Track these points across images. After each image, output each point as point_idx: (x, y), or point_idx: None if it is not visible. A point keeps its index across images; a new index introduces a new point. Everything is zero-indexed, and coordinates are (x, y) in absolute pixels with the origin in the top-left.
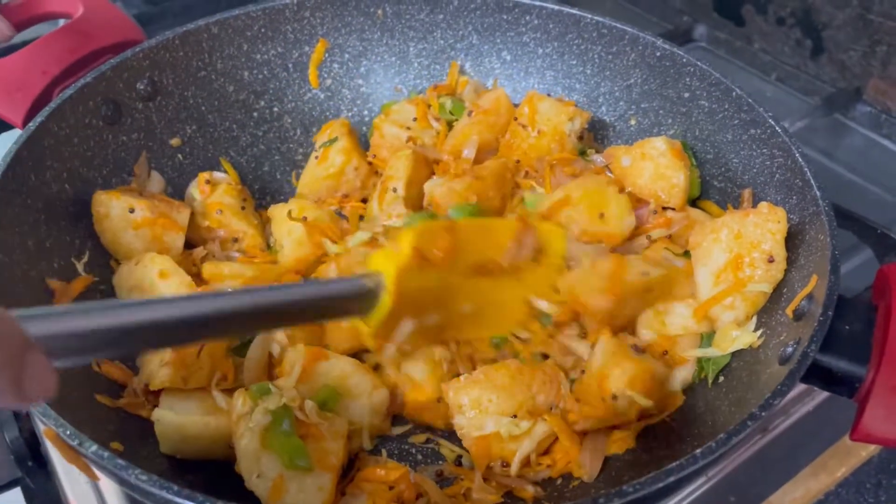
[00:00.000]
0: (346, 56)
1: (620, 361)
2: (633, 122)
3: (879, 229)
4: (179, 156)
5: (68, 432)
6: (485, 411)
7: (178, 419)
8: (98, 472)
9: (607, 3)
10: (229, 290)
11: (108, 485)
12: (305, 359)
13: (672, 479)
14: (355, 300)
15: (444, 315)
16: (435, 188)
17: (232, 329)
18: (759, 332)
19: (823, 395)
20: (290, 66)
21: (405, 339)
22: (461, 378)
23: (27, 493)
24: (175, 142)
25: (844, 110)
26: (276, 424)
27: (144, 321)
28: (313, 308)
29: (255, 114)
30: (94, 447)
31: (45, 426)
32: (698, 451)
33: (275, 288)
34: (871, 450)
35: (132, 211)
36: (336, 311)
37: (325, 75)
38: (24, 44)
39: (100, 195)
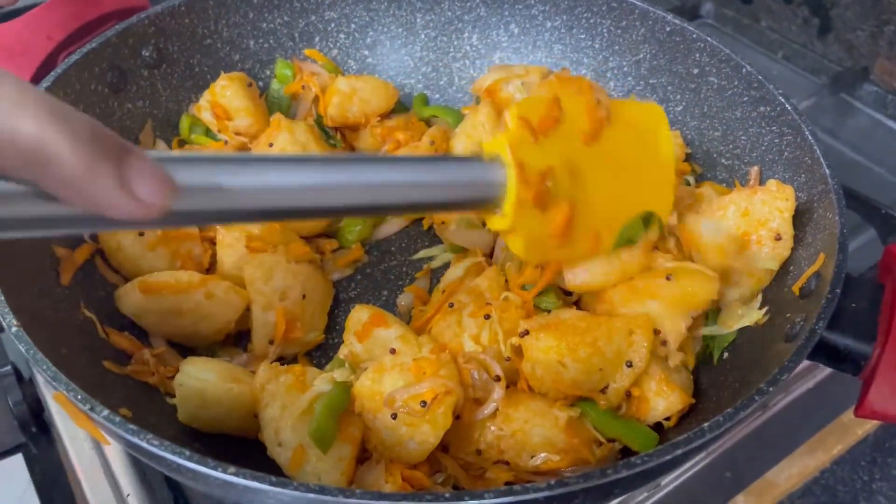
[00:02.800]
0: (353, 26)
1: None
2: (640, 97)
3: (884, 209)
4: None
5: (79, 396)
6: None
7: (199, 384)
8: (108, 437)
9: None
10: (338, 157)
11: (112, 450)
12: (367, 321)
13: (679, 451)
14: (480, 185)
15: (573, 204)
16: None
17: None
18: (764, 310)
19: (822, 373)
20: (297, 35)
21: (541, 238)
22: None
23: (29, 460)
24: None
25: (851, 90)
26: (332, 398)
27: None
28: (429, 193)
29: (261, 83)
30: (106, 412)
31: (56, 390)
32: (706, 424)
33: (386, 164)
34: (867, 428)
35: (141, 234)
36: (459, 199)
37: (332, 46)
38: (29, 8)
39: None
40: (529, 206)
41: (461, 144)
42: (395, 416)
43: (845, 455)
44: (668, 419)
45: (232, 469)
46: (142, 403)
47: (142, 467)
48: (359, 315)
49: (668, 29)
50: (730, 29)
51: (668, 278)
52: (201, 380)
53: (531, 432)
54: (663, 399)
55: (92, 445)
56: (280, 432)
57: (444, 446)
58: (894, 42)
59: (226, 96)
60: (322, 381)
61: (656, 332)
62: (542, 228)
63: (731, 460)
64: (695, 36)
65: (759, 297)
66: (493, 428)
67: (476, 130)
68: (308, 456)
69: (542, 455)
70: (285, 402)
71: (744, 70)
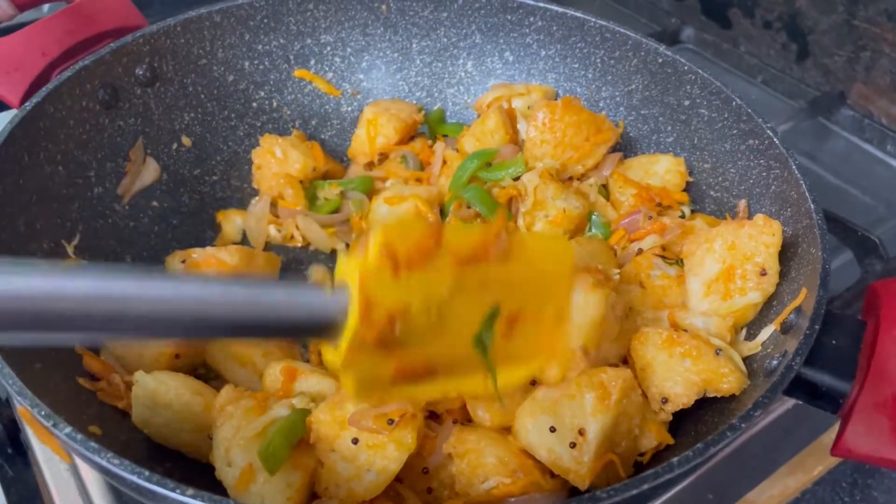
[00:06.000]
0: (349, 50)
1: None
2: (632, 127)
3: (860, 231)
4: (175, 143)
5: (43, 413)
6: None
7: (153, 385)
8: (71, 455)
9: (596, 2)
10: (171, 281)
11: (89, 472)
12: (284, 378)
13: (647, 486)
14: (313, 316)
15: (426, 348)
16: None
17: (162, 333)
18: (760, 341)
19: None
20: (292, 58)
21: (377, 380)
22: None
23: (5, 482)
24: (186, 142)
25: (828, 114)
26: (288, 423)
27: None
28: (256, 324)
29: (255, 104)
30: (68, 429)
31: (21, 405)
32: (675, 459)
33: (209, 286)
34: None
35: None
36: (289, 329)
37: (327, 69)
38: (26, 24)
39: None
40: (369, 347)
41: (470, 145)
42: (356, 441)
43: (826, 476)
44: (642, 454)
45: (191, 491)
46: (114, 422)
47: (118, 491)
48: (273, 372)
49: (660, 60)
50: (710, 54)
51: (717, 352)
52: (158, 380)
53: (484, 452)
54: (639, 436)
55: (67, 468)
56: (231, 451)
57: (398, 480)
58: (871, 67)
59: None
60: (280, 406)
61: (664, 400)
62: (379, 370)
63: (713, 482)
64: (686, 68)
65: (744, 331)
66: (445, 447)
67: (485, 136)
68: (256, 477)
69: (494, 479)
70: (240, 423)
71: (734, 103)
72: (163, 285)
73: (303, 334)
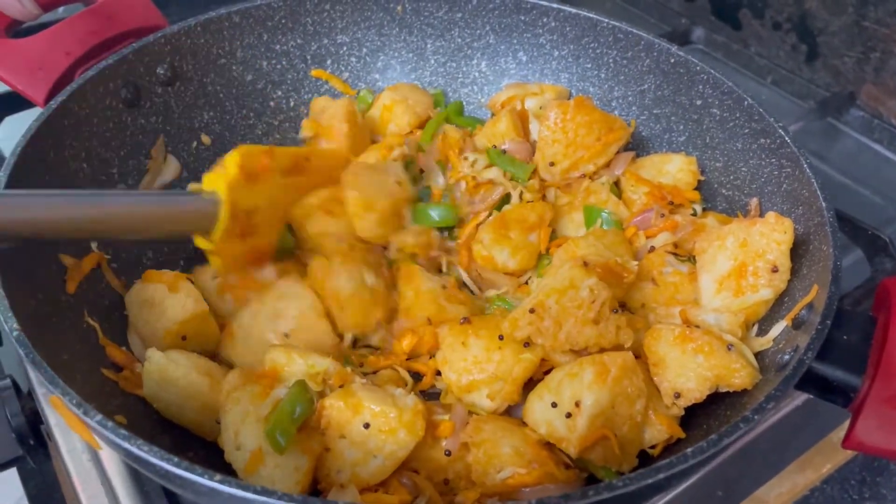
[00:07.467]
0: (364, 50)
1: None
2: (644, 127)
3: (870, 230)
4: (195, 141)
5: (74, 401)
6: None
7: (164, 362)
8: (101, 442)
9: (607, 3)
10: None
11: (110, 461)
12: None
13: (662, 475)
14: (197, 215)
15: (267, 234)
16: None
17: (72, 232)
18: (771, 337)
19: None
20: (309, 57)
21: (236, 258)
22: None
23: (23, 474)
24: (205, 140)
25: (838, 114)
26: (290, 397)
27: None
28: (155, 223)
29: (272, 103)
30: (99, 416)
31: (52, 394)
32: (689, 450)
33: (116, 196)
34: None
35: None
36: (179, 227)
37: (343, 68)
38: (50, 24)
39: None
40: (232, 237)
41: (482, 143)
42: (367, 426)
43: (834, 474)
44: (653, 447)
45: (218, 476)
46: (138, 412)
47: (140, 479)
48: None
49: (672, 60)
50: (720, 55)
51: (729, 348)
52: (169, 358)
53: (500, 442)
54: (649, 427)
55: (90, 457)
56: (239, 435)
57: (415, 472)
58: (880, 68)
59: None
60: (283, 388)
61: (677, 395)
62: (239, 251)
63: (722, 478)
64: (698, 68)
65: (755, 327)
66: (462, 436)
67: (496, 138)
68: (265, 461)
69: (510, 469)
70: (248, 408)
71: (745, 102)
72: (91, 199)
73: (187, 229)
